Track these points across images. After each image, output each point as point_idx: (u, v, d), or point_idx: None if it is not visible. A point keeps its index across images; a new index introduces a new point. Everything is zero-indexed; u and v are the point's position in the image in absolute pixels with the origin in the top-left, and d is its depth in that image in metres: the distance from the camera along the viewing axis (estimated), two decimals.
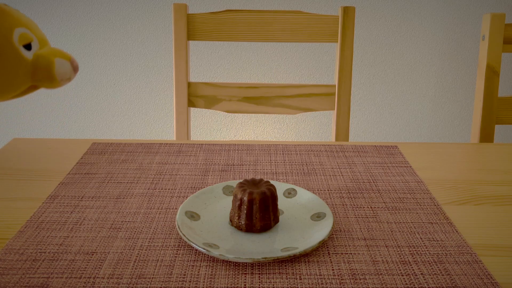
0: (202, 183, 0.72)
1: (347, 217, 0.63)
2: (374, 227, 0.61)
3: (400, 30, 1.72)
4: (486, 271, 0.53)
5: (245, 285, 0.50)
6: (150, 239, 0.58)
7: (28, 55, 0.69)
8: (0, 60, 0.67)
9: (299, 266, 0.53)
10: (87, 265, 0.53)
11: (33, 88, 0.74)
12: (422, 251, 0.56)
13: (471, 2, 1.70)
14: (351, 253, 0.56)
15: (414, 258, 0.55)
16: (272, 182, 0.67)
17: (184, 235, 0.55)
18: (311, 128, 1.83)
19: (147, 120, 1.80)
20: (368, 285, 0.51)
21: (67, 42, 1.72)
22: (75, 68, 0.73)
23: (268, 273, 0.52)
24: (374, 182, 0.73)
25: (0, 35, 0.67)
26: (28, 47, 0.70)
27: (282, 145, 0.87)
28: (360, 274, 0.52)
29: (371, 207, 0.66)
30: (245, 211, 0.58)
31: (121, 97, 1.77)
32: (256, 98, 1.16)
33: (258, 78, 1.76)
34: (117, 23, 1.70)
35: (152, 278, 0.51)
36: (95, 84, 1.76)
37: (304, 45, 1.73)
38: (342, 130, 1.17)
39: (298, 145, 0.87)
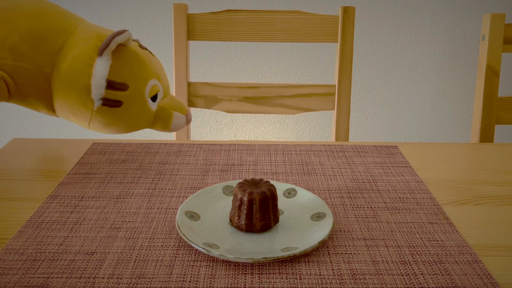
0: (202, 183, 0.72)
1: (347, 217, 0.63)
2: (374, 227, 0.61)
3: (400, 30, 1.72)
4: (486, 271, 0.53)
5: (245, 285, 0.50)
6: (150, 239, 0.58)
7: (153, 106, 0.73)
8: (130, 110, 0.71)
9: (299, 266, 0.53)
10: (87, 265, 0.53)
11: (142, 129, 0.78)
12: (422, 251, 0.56)
13: (471, 2, 1.70)
14: (351, 253, 0.56)
15: (414, 258, 0.55)
16: (272, 182, 0.67)
17: (184, 235, 0.55)
18: (311, 128, 1.83)
19: None
20: (368, 285, 0.51)
21: None
22: (188, 121, 0.77)
23: (268, 273, 0.52)
24: (374, 182, 0.73)
25: (136, 87, 0.70)
26: (154, 98, 0.73)
27: (282, 145, 0.87)
28: (360, 274, 0.52)
29: (371, 207, 0.66)
30: (245, 211, 0.58)
31: None
32: (256, 98, 1.16)
33: (258, 78, 1.76)
34: (117, 23, 1.70)
35: (152, 278, 0.51)
36: None
37: (304, 45, 1.73)
38: (342, 130, 1.17)
39: (298, 145, 0.87)
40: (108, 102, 0.69)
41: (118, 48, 0.71)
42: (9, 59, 0.69)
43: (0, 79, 0.68)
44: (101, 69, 0.68)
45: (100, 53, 0.68)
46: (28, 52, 0.69)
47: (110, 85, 0.68)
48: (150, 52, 0.75)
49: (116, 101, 0.69)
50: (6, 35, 0.69)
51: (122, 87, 0.68)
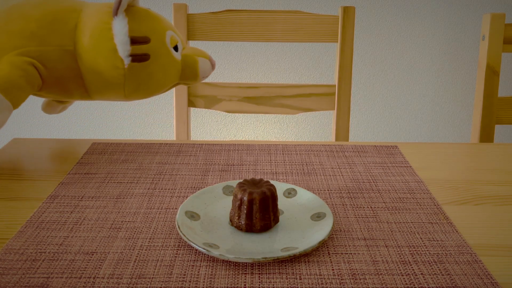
0: (202, 183, 0.72)
1: (347, 217, 0.63)
2: (374, 227, 0.61)
3: (400, 30, 1.72)
4: (486, 271, 0.53)
5: (245, 285, 0.50)
6: (150, 239, 0.58)
7: (177, 56, 0.75)
8: (158, 62, 0.73)
9: (299, 266, 0.53)
10: (87, 265, 0.53)
11: (175, 85, 0.80)
12: (422, 251, 0.56)
13: (471, 2, 1.70)
14: (351, 253, 0.56)
15: (414, 258, 0.55)
16: (272, 182, 0.67)
17: (184, 235, 0.55)
18: (311, 128, 1.83)
19: (147, 120, 1.80)
20: (368, 285, 0.51)
21: None
22: (213, 66, 0.79)
23: (268, 273, 0.52)
24: (374, 182, 0.73)
25: (156, 38, 0.72)
26: (175, 48, 0.75)
27: (282, 145, 0.87)
28: (360, 274, 0.52)
29: (371, 207, 0.66)
30: (245, 211, 0.58)
31: None
32: (256, 98, 1.16)
33: (258, 78, 1.76)
34: None
35: (152, 278, 0.51)
36: None
37: (304, 45, 1.73)
38: (342, 130, 1.17)
39: (298, 145, 0.87)
40: (136, 57, 0.71)
41: (128, 8, 0.73)
42: (33, 46, 0.71)
43: (29, 65, 0.70)
44: (120, 27, 0.70)
45: (115, 12, 0.70)
46: (47, 36, 0.72)
47: (133, 40, 0.70)
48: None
49: (143, 54, 0.71)
50: (23, 25, 0.72)
51: (144, 39, 0.71)
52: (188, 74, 0.77)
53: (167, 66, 0.74)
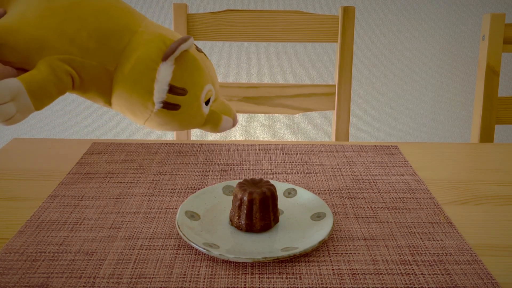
0: (202, 183, 0.72)
1: (347, 217, 0.63)
2: (374, 227, 0.61)
3: (400, 30, 1.72)
4: (486, 271, 0.53)
5: (245, 285, 0.50)
6: (150, 239, 0.58)
7: (205, 110, 0.75)
8: (186, 113, 0.72)
9: (299, 266, 0.53)
10: (87, 265, 0.53)
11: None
12: (422, 251, 0.56)
13: (471, 2, 1.70)
14: (351, 253, 0.56)
15: (414, 258, 0.55)
16: (272, 182, 0.67)
17: (184, 235, 0.55)
18: (311, 128, 1.83)
19: None
20: (368, 285, 0.51)
21: None
22: (234, 124, 0.79)
23: (268, 273, 0.52)
24: (374, 182, 0.73)
25: (193, 92, 0.72)
26: (207, 101, 0.75)
27: (282, 145, 0.87)
28: (360, 274, 0.52)
29: (371, 207, 0.66)
30: (245, 211, 0.58)
31: None
32: (256, 98, 1.16)
33: (258, 78, 1.76)
34: None
35: (152, 278, 0.51)
36: None
37: (304, 45, 1.73)
38: (342, 130, 1.17)
39: (298, 145, 0.87)
40: (167, 106, 0.71)
41: (180, 53, 0.72)
42: (77, 56, 0.70)
43: (68, 75, 0.69)
44: (165, 74, 0.70)
45: (165, 58, 0.69)
46: (95, 50, 0.71)
47: (172, 90, 0.70)
48: (205, 55, 0.77)
49: (175, 104, 0.71)
50: (76, 32, 0.71)
51: (182, 92, 0.70)
52: (209, 127, 0.77)
53: (192, 118, 0.74)
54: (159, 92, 0.70)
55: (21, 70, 0.71)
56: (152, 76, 0.70)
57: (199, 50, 0.75)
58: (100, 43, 0.71)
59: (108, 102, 0.75)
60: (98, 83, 0.72)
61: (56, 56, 0.69)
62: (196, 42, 1.71)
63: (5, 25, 0.70)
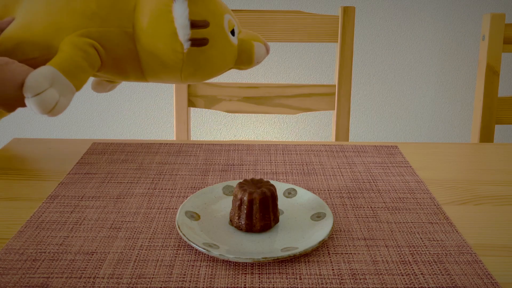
0: (202, 183, 0.72)
1: (347, 217, 0.63)
2: (374, 227, 0.61)
3: (400, 30, 1.72)
4: (486, 271, 0.53)
5: (245, 285, 0.50)
6: (150, 239, 0.58)
7: (234, 40, 0.73)
8: (216, 47, 0.71)
9: (299, 266, 0.53)
10: (87, 265, 0.53)
11: (229, 69, 0.78)
12: (422, 251, 0.56)
13: (471, 2, 1.70)
14: (351, 253, 0.56)
15: (414, 258, 0.55)
16: (272, 182, 0.67)
17: (184, 235, 0.55)
18: (311, 128, 1.83)
19: (147, 120, 1.80)
20: (368, 285, 0.51)
21: None
22: (267, 51, 0.77)
23: (268, 273, 0.52)
24: (374, 182, 0.73)
25: (215, 22, 0.70)
26: (232, 32, 0.73)
27: (282, 145, 0.87)
28: (360, 274, 0.52)
29: (371, 207, 0.66)
30: (245, 211, 0.58)
31: (121, 97, 1.77)
32: (256, 98, 1.16)
33: (258, 78, 1.76)
34: None
35: (152, 278, 0.51)
36: None
37: (304, 45, 1.73)
38: (342, 130, 1.17)
39: (298, 145, 0.87)
40: (195, 42, 0.69)
41: None
42: (94, 26, 0.70)
43: (90, 46, 0.69)
44: (181, 10, 0.69)
45: None
46: (108, 16, 0.71)
47: (193, 24, 0.69)
48: None
49: (202, 39, 0.70)
50: (85, 5, 0.71)
51: (204, 23, 0.69)
52: (244, 59, 0.75)
53: (225, 51, 0.72)
54: (182, 28, 0.69)
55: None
56: (170, 18, 0.69)
57: None
58: (110, 8, 0.71)
59: (140, 70, 0.74)
60: (123, 48, 0.72)
61: (74, 33, 0.69)
62: None
63: (17, 25, 0.71)
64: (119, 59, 0.73)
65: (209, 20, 0.70)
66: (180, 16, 0.68)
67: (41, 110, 0.63)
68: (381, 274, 0.52)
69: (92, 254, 0.55)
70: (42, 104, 0.63)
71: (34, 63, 0.72)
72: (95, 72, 0.73)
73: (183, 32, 0.69)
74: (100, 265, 0.53)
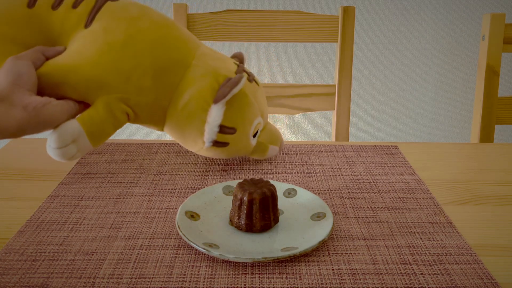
0: (202, 183, 0.72)
1: (347, 217, 0.63)
2: (374, 227, 0.61)
3: (400, 30, 1.72)
4: (486, 271, 0.53)
5: (245, 285, 0.50)
6: (150, 239, 0.58)
7: (253, 142, 0.75)
8: (234, 147, 0.73)
9: (299, 266, 0.53)
10: (87, 265, 0.53)
11: None
12: (422, 251, 0.56)
13: (471, 2, 1.70)
14: (351, 253, 0.56)
15: (414, 258, 0.55)
16: (272, 182, 0.67)
17: (184, 235, 0.55)
18: (311, 128, 1.83)
19: None
20: (368, 285, 0.51)
21: None
22: (280, 150, 0.79)
23: (268, 273, 0.52)
24: (374, 182, 0.73)
25: (243, 130, 0.72)
26: (255, 134, 0.75)
27: None
28: (360, 274, 0.52)
29: (371, 207, 0.66)
30: (245, 211, 0.58)
31: None
32: None
33: (258, 78, 1.76)
34: None
35: (152, 278, 0.51)
36: None
37: (304, 45, 1.73)
38: (342, 130, 1.17)
39: (298, 145, 0.87)
40: (217, 144, 0.72)
41: None
42: (133, 94, 0.71)
43: (124, 113, 0.71)
44: (216, 117, 0.70)
45: (217, 101, 0.70)
46: (150, 87, 0.71)
47: (221, 130, 0.71)
48: (256, 82, 0.77)
49: (224, 143, 0.72)
50: (132, 69, 0.70)
51: (232, 131, 0.71)
52: (256, 155, 0.77)
53: (240, 150, 0.75)
54: (210, 133, 0.71)
55: (81, 103, 0.72)
56: (203, 117, 0.70)
57: (250, 80, 0.75)
58: (155, 80, 0.71)
59: (161, 129, 0.76)
60: (152, 117, 0.73)
61: (113, 96, 0.70)
62: None
63: (65, 63, 0.70)
64: (146, 122, 0.75)
65: (238, 126, 0.72)
66: (213, 121, 0.70)
67: (58, 159, 0.67)
68: (381, 274, 0.52)
69: (92, 254, 0.55)
70: (61, 155, 0.67)
71: (69, 99, 0.72)
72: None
73: (209, 136, 0.71)
74: (100, 265, 0.53)
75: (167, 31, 0.74)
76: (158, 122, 0.74)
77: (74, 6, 0.73)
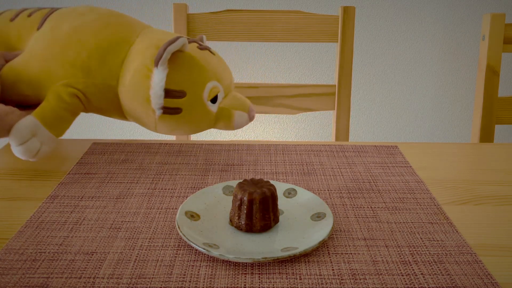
0: (202, 183, 0.72)
1: (347, 217, 0.63)
2: (374, 227, 0.61)
3: (400, 30, 1.72)
4: (486, 271, 0.53)
5: (245, 285, 0.50)
6: (150, 239, 0.58)
7: (213, 108, 0.74)
8: (190, 115, 0.72)
9: (299, 266, 0.53)
10: (87, 265, 0.53)
11: (206, 129, 0.82)
12: (422, 251, 0.56)
13: (471, 2, 1.70)
14: (351, 253, 0.56)
15: (414, 258, 0.55)
16: (272, 182, 0.67)
17: (184, 235, 0.55)
18: (311, 128, 1.83)
19: None
20: (368, 285, 0.51)
21: None
22: (251, 118, 0.77)
23: (268, 273, 0.52)
24: (374, 182, 0.73)
25: (193, 92, 0.72)
26: (214, 99, 0.74)
27: (282, 145, 0.87)
28: (360, 274, 0.52)
29: (371, 207, 0.66)
30: (245, 211, 0.58)
31: None
32: (256, 98, 1.16)
33: (258, 78, 1.76)
34: None
35: (152, 278, 0.51)
36: None
37: (304, 45, 1.73)
38: (342, 130, 1.17)
39: (298, 145, 0.87)
40: (167, 110, 0.71)
41: (175, 54, 0.72)
42: (80, 77, 0.73)
43: (74, 97, 0.73)
44: (158, 79, 0.70)
45: (156, 64, 0.70)
46: (96, 68, 0.73)
47: (168, 94, 0.70)
48: (210, 51, 0.76)
49: (175, 108, 0.71)
50: (76, 54, 0.73)
51: (179, 94, 0.71)
52: (222, 125, 0.76)
53: (199, 118, 0.74)
54: (155, 98, 0.70)
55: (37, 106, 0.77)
56: (147, 84, 0.71)
57: (202, 48, 0.75)
58: (100, 61, 0.73)
59: (122, 115, 0.77)
60: (105, 99, 0.74)
61: (60, 82, 0.73)
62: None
63: (18, 62, 0.75)
64: (102, 107, 0.76)
65: (187, 90, 0.71)
66: (156, 85, 0.70)
67: (25, 157, 0.69)
68: (381, 274, 0.52)
69: (92, 254, 0.55)
70: (25, 152, 0.69)
71: (29, 100, 0.77)
72: (77, 116, 0.76)
73: (156, 101, 0.71)
74: (100, 265, 0.53)
75: (111, 19, 0.76)
76: (116, 106, 0.75)
77: (29, 15, 0.79)
